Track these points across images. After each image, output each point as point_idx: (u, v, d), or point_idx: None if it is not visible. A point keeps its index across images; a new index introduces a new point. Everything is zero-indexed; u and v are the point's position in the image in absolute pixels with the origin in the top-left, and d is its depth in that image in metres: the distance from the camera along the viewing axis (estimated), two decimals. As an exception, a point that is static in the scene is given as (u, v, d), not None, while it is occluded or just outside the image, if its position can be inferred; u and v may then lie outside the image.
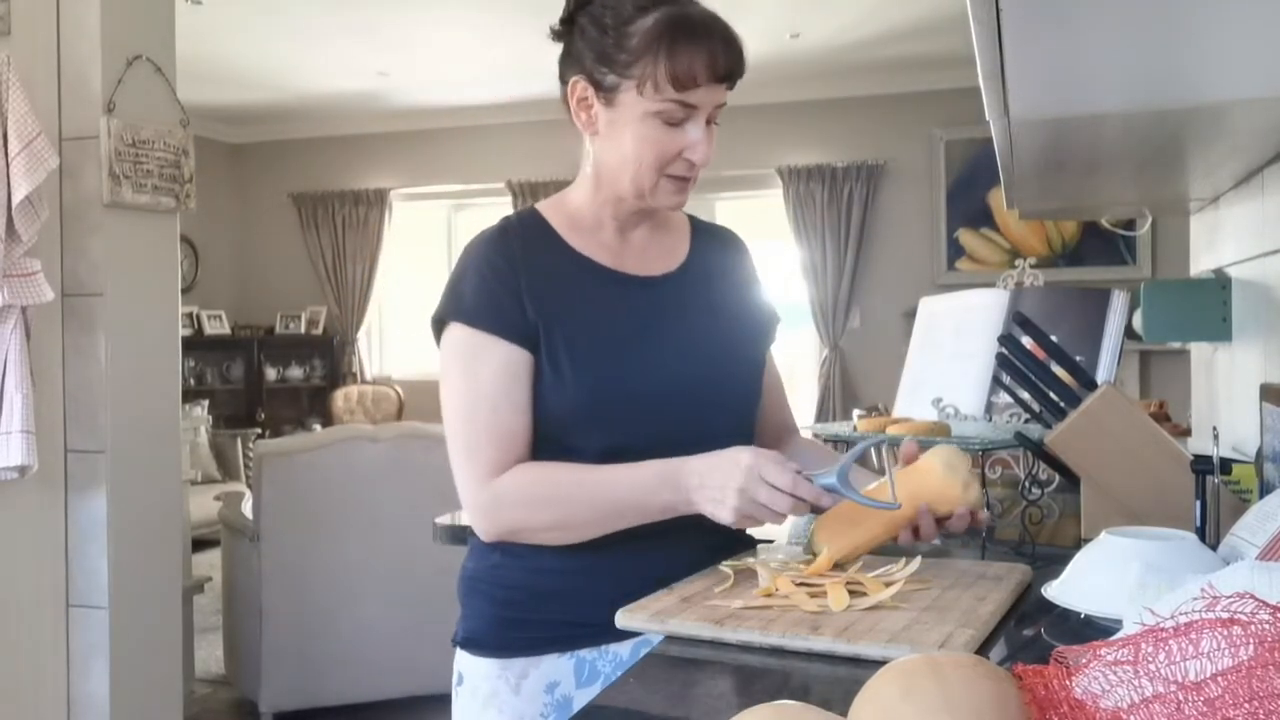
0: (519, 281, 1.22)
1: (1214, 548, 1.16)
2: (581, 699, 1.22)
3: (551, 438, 1.23)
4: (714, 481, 1.12)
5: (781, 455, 1.14)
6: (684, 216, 1.42)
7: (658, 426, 1.22)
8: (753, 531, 1.60)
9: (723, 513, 1.12)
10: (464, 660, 1.28)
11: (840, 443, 1.92)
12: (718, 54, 1.19)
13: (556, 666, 1.24)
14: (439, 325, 1.26)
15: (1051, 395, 1.53)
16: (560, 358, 1.21)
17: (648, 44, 1.18)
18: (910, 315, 2.65)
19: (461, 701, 1.28)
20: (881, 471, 1.32)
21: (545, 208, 1.32)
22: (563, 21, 1.25)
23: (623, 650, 1.25)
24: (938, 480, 1.21)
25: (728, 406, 1.30)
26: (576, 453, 1.22)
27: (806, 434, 1.56)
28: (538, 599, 1.25)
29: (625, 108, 1.20)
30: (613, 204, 1.29)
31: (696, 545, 1.26)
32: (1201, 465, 1.26)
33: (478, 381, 1.21)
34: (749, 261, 1.44)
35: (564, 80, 1.25)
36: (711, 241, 1.41)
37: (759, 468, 1.10)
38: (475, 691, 1.26)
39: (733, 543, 1.33)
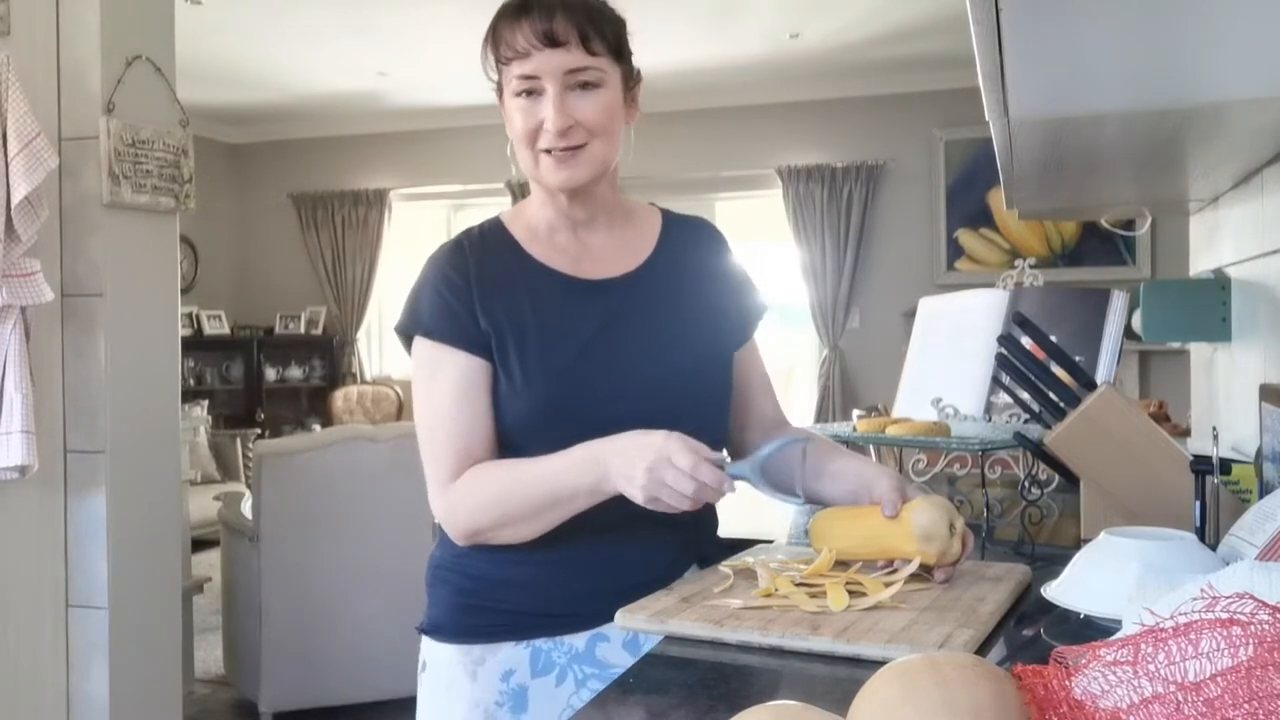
0: (471, 294, 1.25)
1: (1213, 548, 1.16)
2: (536, 689, 1.25)
3: (511, 445, 1.25)
4: (629, 460, 1.12)
5: (697, 442, 1.12)
6: (656, 211, 1.41)
7: (612, 432, 1.20)
8: (751, 531, 1.60)
9: (634, 491, 1.12)
10: (428, 647, 1.31)
11: (840, 443, 1.92)
12: (535, 21, 1.21)
13: (513, 655, 1.25)
14: (405, 337, 1.30)
15: (1051, 395, 1.53)
16: (513, 367, 1.24)
17: (486, 39, 1.27)
18: (910, 315, 2.65)
19: (425, 689, 1.31)
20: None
21: (508, 217, 1.35)
22: None
23: (578, 643, 1.26)
24: (912, 547, 1.18)
25: (688, 407, 1.27)
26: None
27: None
28: (497, 587, 1.27)
29: (503, 102, 1.28)
30: (554, 204, 1.30)
31: (655, 541, 1.26)
32: (1201, 465, 1.26)
33: (437, 392, 1.25)
34: (723, 252, 1.41)
35: None
36: (682, 234, 1.39)
37: (668, 450, 1.10)
38: (437, 678, 1.29)
39: (694, 540, 1.32)
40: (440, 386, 1.25)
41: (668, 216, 1.41)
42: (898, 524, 1.19)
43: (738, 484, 1.14)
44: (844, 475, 1.31)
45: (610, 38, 1.24)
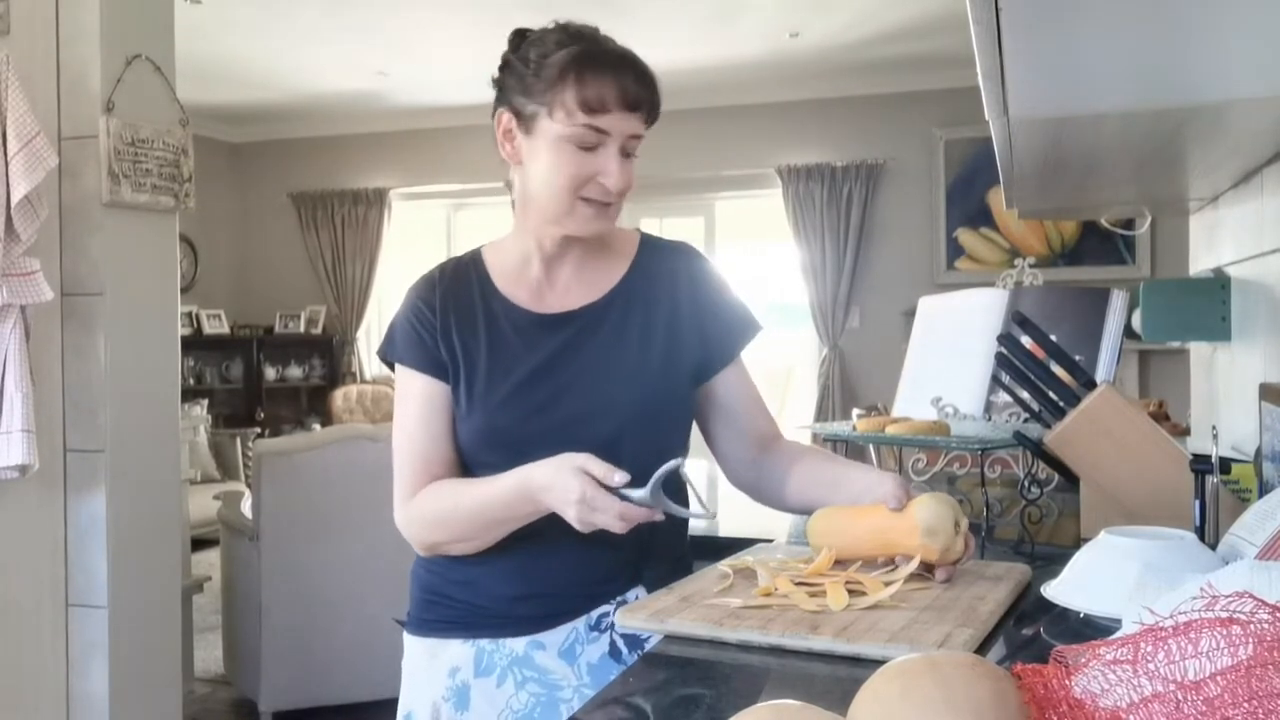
0: (436, 325, 1.33)
1: (1213, 547, 1.16)
2: (478, 688, 1.29)
3: (466, 465, 1.33)
4: (556, 500, 1.17)
5: (607, 468, 1.14)
6: (635, 237, 1.41)
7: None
8: (751, 531, 1.61)
9: (571, 521, 1.17)
10: (405, 637, 1.39)
11: (840, 442, 1.93)
12: (628, 84, 1.24)
13: (460, 652, 1.31)
14: (385, 361, 1.39)
15: (1051, 395, 1.53)
16: (461, 396, 1.31)
17: (561, 72, 1.24)
18: (910, 315, 2.65)
19: (402, 677, 1.39)
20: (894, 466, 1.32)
21: (488, 249, 1.40)
22: (500, 68, 1.32)
23: (517, 647, 1.29)
24: (915, 543, 1.18)
25: (626, 437, 1.27)
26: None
27: (804, 435, 1.54)
28: (448, 585, 1.34)
29: (541, 134, 1.26)
30: (536, 237, 1.33)
31: (590, 557, 1.27)
32: (1201, 465, 1.26)
33: (405, 412, 1.34)
34: (699, 278, 1.39)
35: (493, 116, 1.33)
36: (655, 262, 1.38)
37: (590, 501, 1.14)
38: (406, 667, 1.37)
39: (633, 560, 1.32)
40: (408, 409, 1.33)
41: (645, 243, 1.41)
42: (901, 519, 1.19)
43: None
44: (845, 481, 1.31)
45: (655, 117, 1.30)
